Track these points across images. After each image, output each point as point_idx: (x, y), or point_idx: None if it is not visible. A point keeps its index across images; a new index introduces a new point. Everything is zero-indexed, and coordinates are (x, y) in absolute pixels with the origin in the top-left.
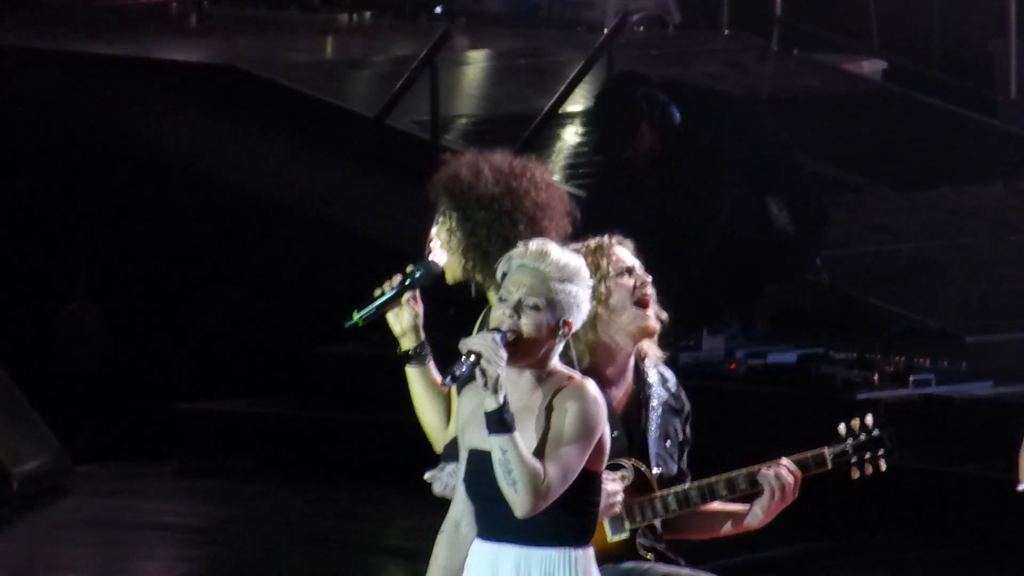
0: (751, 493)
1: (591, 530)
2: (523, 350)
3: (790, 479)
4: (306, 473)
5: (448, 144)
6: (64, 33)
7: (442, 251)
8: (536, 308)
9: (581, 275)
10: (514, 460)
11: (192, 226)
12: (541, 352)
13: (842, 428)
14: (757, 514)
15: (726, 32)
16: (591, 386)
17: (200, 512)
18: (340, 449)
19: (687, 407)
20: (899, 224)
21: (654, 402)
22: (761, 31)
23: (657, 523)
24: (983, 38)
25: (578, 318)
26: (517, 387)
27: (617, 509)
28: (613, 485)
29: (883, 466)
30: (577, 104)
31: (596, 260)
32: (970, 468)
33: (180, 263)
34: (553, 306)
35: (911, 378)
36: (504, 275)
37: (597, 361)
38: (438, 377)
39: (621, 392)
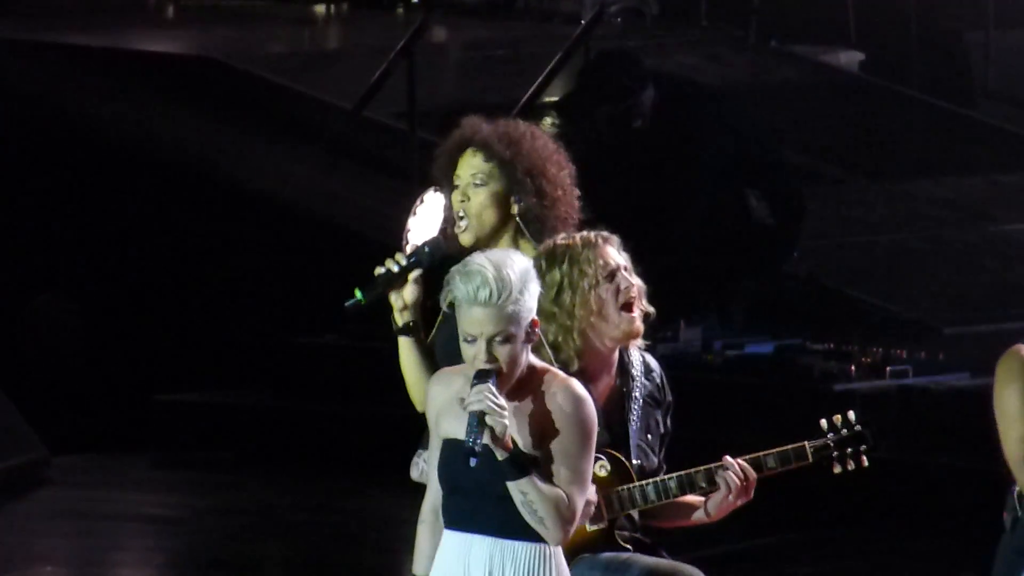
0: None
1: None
2: (508, 377)
3: (736, 481)
4: (282, 464)
5: (425, 135)
6: (41, 24)
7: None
8: (506, 340)
9: (527, 279)
10: (536, 500)
11: (169, 216)
12: (523, 365)
13: (824, 423)
14: (711, 510)
15: (703, 24)
16: (578, 387)
17: (177, 503)
18: (316, 440)
19: (669, 398)
20: (877, 216)
21: (636, 393)
22: (738, 23)
23: (635, 513)
24: (960, 29)
25: (535, 308)
26: (511, 399)
27: (592, 498)
28: None
29: (865, 462)
30: (554, 95)
31: (582, 267)
32: (947, 459)
33: (157, 253)
34: (518, 324)
35: (888, 369)
36: (452, 302)
37: (584, 360)
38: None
39: (603, 386)
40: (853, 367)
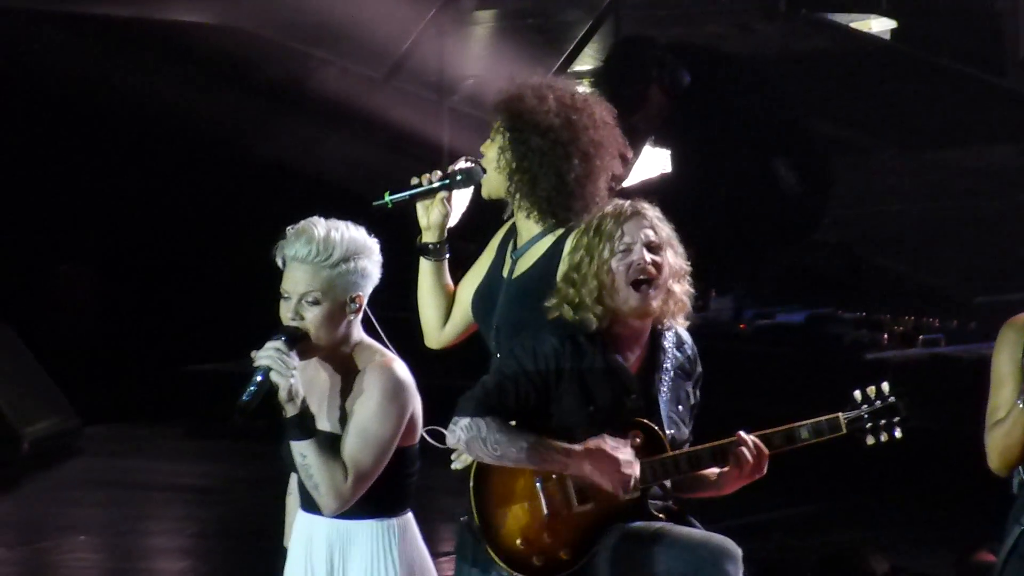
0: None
1: (404, 500)
2: (317, 343)
3: (749, 457)
4: None
5: (455, 105)
6: None
7: (488, 167)
8: (316, 302)
9: (358, 247)
10: (314, 465)
11: (198, 186)
12: (337, 335)
13: (857, 394)
14: (723, 483)
15: None
16: (397, 370)
17: (209, 472)
18: None
19: (699, 370)
20: (907, 185)
21: (667, 365)
22: None
23: (667, 483)
24: None
25: (367, 287)
26: (324, 369)
27: (633, 472)
28: (625, 453)
29: (899, 434)
30: (585, 64)
31: (603, 237)
32: (978, 428)
33: (188, 223)
34: (334, 291)
35: (920, 338)
36: (283, 263)
37: (611, 326)
38: (448, 279)
39: (635, 356)
40: (885, 336)
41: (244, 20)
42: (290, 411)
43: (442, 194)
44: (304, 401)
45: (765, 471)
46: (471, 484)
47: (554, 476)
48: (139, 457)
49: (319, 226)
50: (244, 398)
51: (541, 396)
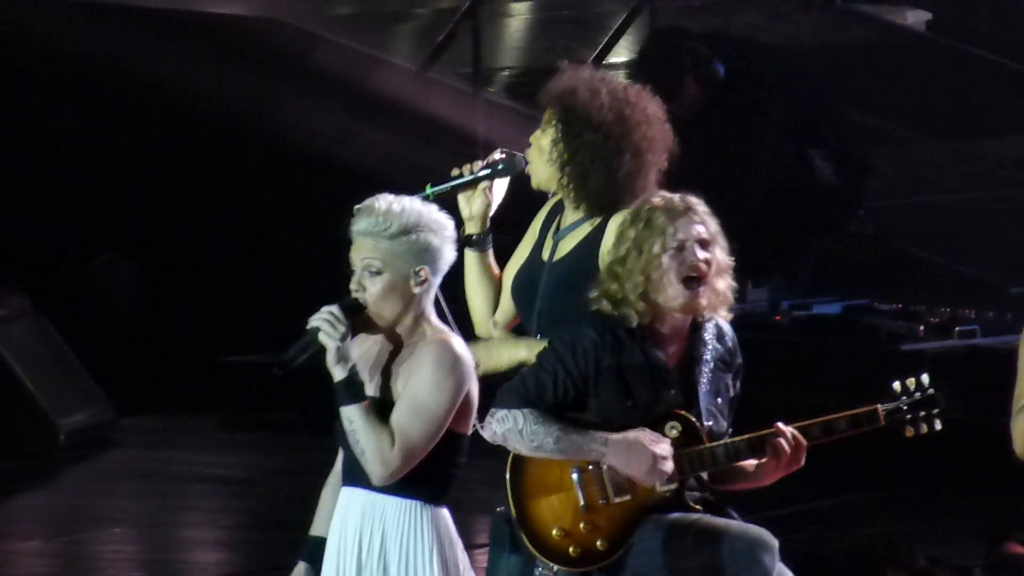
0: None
1: (446, 490)
2: (379, 316)
3: (786, 448)
4: None
5: (490, 96)
6: None
7: (538, 157)
8: (377, 273)
9: (421, 220)
10: (361, 431)
11: (234, 178)
12: (400, 310)
13: (896, 386)
14: (760, 474)
15: None
16: (451, 344)
17: (244, 463)
18: None
19: (739, 361)
20: (943, 175)
21: (707, 357)
22: None
23: (704, 474)
24: None
25: (433, 262)
26: (385, 343)
27: (668, 467)
28: (662, 448)
29: (937, 426)
30: (621, 55)
31: (654, 232)
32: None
33: (224, 215)
34: (395, 262)
35: (956, 329)
36: (352, 240)
37: (651, 320)
38: (495, 268)
39: (675, 349)
40: (921, 327)
41: (281, 12)
42: (338, 374)
43: (483, 184)
44: (354, 367)
45: (803, 462)
46: (507, 475)
47: (591, 467)
48: (175, 449)
49: (382, 199)
50: (289, 353)
51: (579, 390)
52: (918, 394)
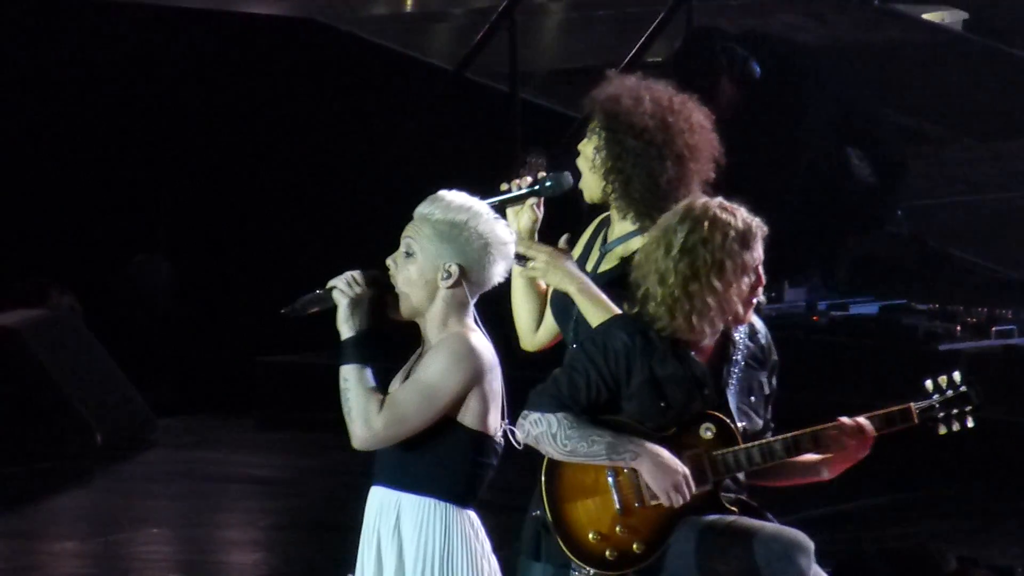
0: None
1: (468, 490)
2: (403, 298)
3: (851, 441)
4: None
5: (527, 97)
6: None
7: (585, 166)
8: (410, 254)
9: (471, 223)
10: (352, 390)
11: (271, 178)
12: (424, 301)
13: (929, 384)
14: (826, 468)
15: None
16: (467, 337)
17: (281, 464)
18: None
19: (774, 358)
20: (981, 175)
21: (737, 356)
22: None
23: (740, 475)
24: None
25: (468, 265)
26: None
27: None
28: (682, 467)
29: (970, 423)
30: (657, 55)
31: (730, 253)
32: None
33: (262, 215)
34: (428, 249)
35: (993, 329)
36: None
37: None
38: (542, 283)
39: (707, 347)
40: (958, 327)
41: (317, 12)
42: (344, 333)
43: (531, 200)
44: (364, 332)
45: (869, 451)
46: (542, 479)
47: (626, 470)
48: (212, 449)
49: (453, 192)
50: (299, 301)
51: (612, 392)
52: (950, 391)
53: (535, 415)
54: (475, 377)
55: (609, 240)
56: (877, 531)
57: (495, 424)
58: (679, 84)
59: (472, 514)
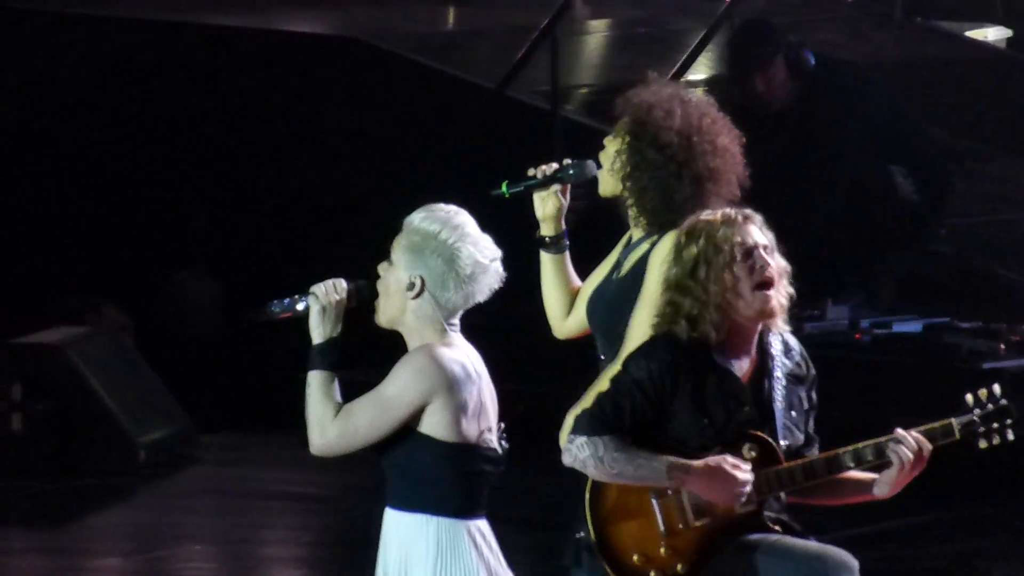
0: (879, 464)
1: (461, 501)
2: (380, 307)
3: (909, 455)
4: None
5: (568, 114)
6: (184, 4)
7: (605, 162)
8: (391, 263)
9: (441, 237)
10: (313, 397)
11: (313, 196)
12: (395, 312)
13: (969, 398)
14: (884, 485)
15: (848, 0)
16: (431, 351)
17: (323, 481)
18: None
19: (812, 373)
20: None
21: (777, 372)
22: None
23: (782, 494)
24: None
25: (431, 275)
26: None
27: (748, 491)
28: (744, 473)
29: (1010, 436)
30: (699, 73)
31: (718, 244)
32: None
33: (303, 232)
34: (402, 259)
35: None
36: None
37: (726, 336)
38: (572, 272)
39: (747, 364)
40: (1001, 345)
41: (358, 31)
42: (314, 339)
43: (555, 187)
44: (333, 340)
45: (925, 466)
46: (586, 499)
47: (670, 492)
48: (254, 466)
49: (435, 207)
50: (272, 304)
51: (657, 412)
52: (990, 405)
53: (581, 439)
54: (434, 390)
55: (630, 244)
56: (921, 549)
57: (474, 432)
58: (732, 68)
59: (475, 525)
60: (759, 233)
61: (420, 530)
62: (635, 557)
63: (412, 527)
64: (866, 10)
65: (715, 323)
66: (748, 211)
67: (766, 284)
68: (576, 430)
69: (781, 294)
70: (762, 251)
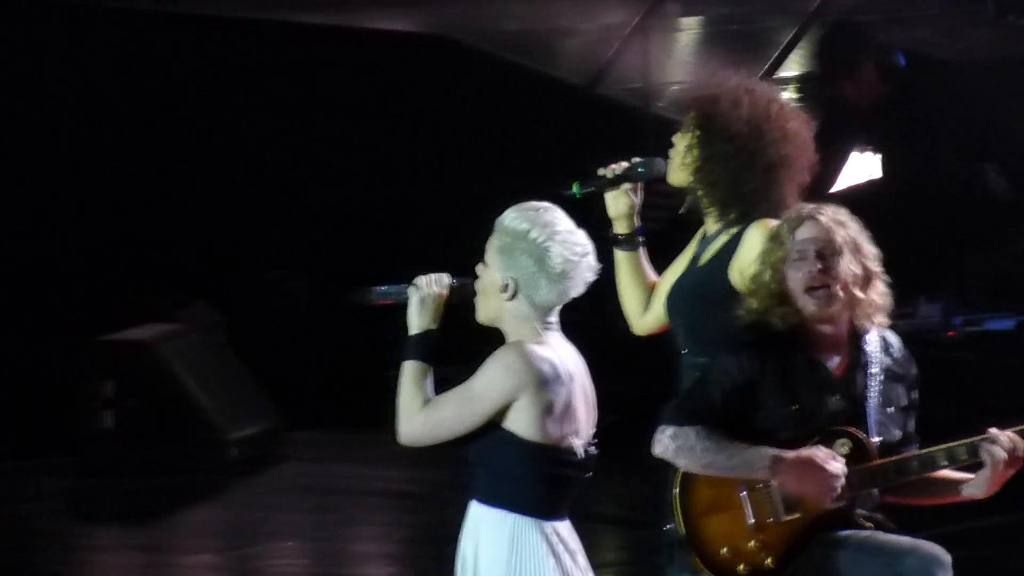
0: (973, 463)
1: (540, 501)
2: (479, 304)
3: (1003, 454)
4: None
5: (660, 111)
6: (270, 2)
7: (676, 157)
8: (485, 263)
9: (531, 236)
10: (405, 385)
11: (401, 193)
12: (491, 311)
13: None
14: (980, 485)
15: None
16: (521, 348)
17: (415, 478)
18: None
19: (913, 372)
20: None
21: (873, 369)
22: None
23: (875, 491)
24: None
25: (522, 276)
26: None
27: (840, 485)
28: (835, 466)
29: None
30: (791, 70)
31: (777, 243)
32: None
33: (392, 230)
34: (495, 261)
35: None
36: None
37: (808, 328)
38: (648, 269)
39: (840, 359)
40: None
41: (446, 28)
42: (411, 329)
43: (626, 185)
44: (429, 332)
45: (1021, 464)
46: (676, 492)
47: (760, 485)
48: (346, 462)
49: (526, 205)
50: (375, 288)
51: (746, 401)
52: None
53: (672, 429)
54: (522, 387)
55: (707, 237)
56: (1015, 548)
57: (558, 434)
58: (824, 66)
59: (553, 526)
60: (821, 233)
61: (497, 525)
62: (724, 550)
63: (490, 521)
64: (958, 8)
65: (780, 315)
66: (823, 209)
67: (815, 288)
68: (668, 420)
69: (854, 298)
70: (816, 253)
